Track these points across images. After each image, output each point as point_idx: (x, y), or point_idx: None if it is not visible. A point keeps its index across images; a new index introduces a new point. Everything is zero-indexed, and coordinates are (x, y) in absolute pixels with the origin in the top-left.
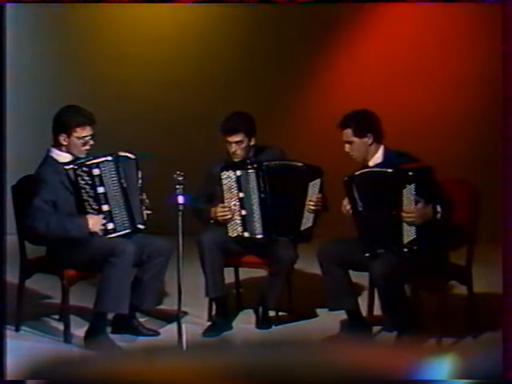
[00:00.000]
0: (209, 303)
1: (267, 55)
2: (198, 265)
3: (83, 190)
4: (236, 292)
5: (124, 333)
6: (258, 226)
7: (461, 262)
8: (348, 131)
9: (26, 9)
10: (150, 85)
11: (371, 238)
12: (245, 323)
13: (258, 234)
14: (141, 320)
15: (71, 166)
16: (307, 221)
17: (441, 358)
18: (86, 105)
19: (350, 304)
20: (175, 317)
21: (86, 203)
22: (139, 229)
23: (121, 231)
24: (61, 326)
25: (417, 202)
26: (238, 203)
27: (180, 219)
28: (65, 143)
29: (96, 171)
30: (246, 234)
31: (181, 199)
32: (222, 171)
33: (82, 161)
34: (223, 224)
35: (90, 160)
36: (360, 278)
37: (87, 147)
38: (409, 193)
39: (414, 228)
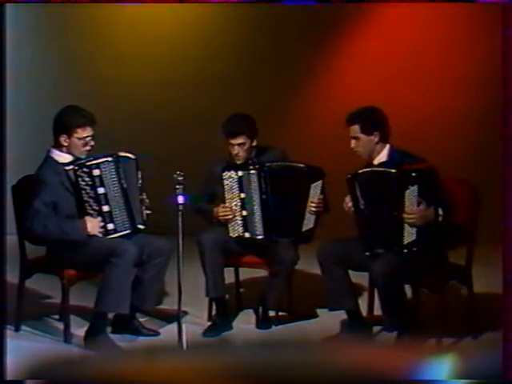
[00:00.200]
0: (209, 303)
1: (267, 55)
2: (198, 265)
3: (83, 191)
4: (236, 292)
5: (124, 333)
6: (258, 226)
7: (461, 262)
8: (355, 127)
9: (26, 9)
10: (149, 85)
11: (371, 237)
12: (245, 323)
13: (259, 235)
14: (141, 320)
15: (71, 167)
16: (308, 222)
17: (441, 357)
18: (86, 105)
19: (350, 304)
20: (175, 317)
21: (87, 204)
22: (139, 229)
23: (121, 231)
24: (61, 326)
25: (419, 204)
26: (239, 203)
27: (180, 219)
28: (65, 144)
29: (96, 172)
30: (247, 235)
31: (181, 199)
32: (224, 171)
33: (83, 161)
34: (224, 224)
35: (91, 160)
36: (360, 277)
37: (88, 148)
38: (411, 194)
39: (414, 229)
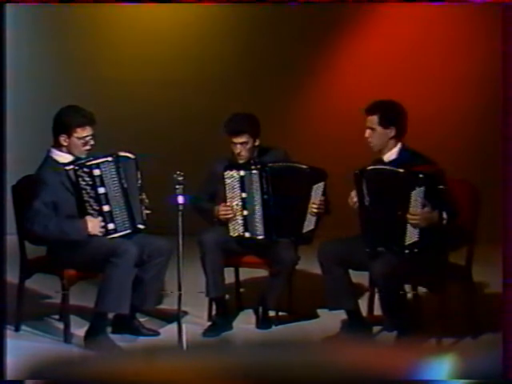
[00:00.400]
0: (209, 303)
1: (267, 55)
2: (198, 265)
3: (84, 191)
4: (236, 292)
5: (124, 333)
6: (259, 226)
7: (461, 262)
8: (374, 118)
9: (26, 9)
10: (149, 85)
11: (373, 234)
12: (245, 323)
13: (260, 235)
14: (141, 320)
15: (72, 167)
16: (309, 223)
17: (441, 357)
18: (86, 105)
19: (350, 304)
20: (175, 317)
21: (87, 204)
22: (139, 229)
23: (121, 231)
24: (61, 326)
25: (424, 206)
26: (240, 203)
27: (180, 219)
28: (65, 144)
29: (97, 172)
30: (247, 234)
31: (181, 199)
32: (226, 170)
33: (83, 161)
34: (225, 223)
35: (91, 160)
36: (360, 277)
37: (88, 147)
38: (417, 195)
39: (417, 230)
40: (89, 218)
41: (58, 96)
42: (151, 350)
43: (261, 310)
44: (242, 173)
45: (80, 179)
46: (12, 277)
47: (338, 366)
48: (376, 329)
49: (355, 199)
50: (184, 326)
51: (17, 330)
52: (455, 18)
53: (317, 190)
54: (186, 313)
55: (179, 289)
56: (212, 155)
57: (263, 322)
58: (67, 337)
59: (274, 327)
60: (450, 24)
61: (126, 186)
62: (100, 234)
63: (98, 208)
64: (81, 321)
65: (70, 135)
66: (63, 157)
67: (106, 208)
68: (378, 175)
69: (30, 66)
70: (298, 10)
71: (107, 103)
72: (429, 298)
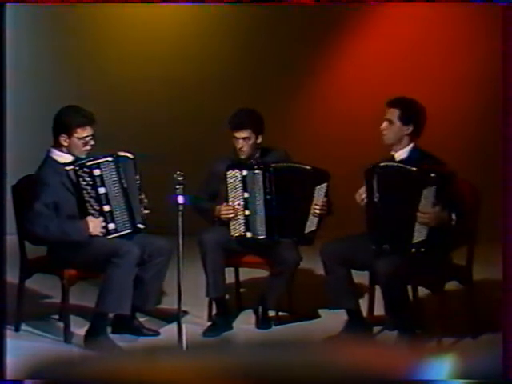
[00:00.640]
0: (209, 303)
1: (267, 55)
2: (198, 265)
3: (84, 191)
4: (236, 292)
5: (124, 333)
6: (261, 226)
7: (461, 262)
8: (395, 111)
9: (26, 9)
10: (149, 84)
11: (380, 231)
12: (245, 323)
13: (261, 235)
14: (141, 320)
15: (72, 167)
16: (311, 224)
17: (441, 357)
18: (86, 104)
19: (351, 303)
20: (175, 317)
21: (88, 204)
22: (139, 228)
23: (122, 231)
24: (61, 326)
25: (434, 205)
26: (242, 203)
27: (180, 219)
28: (65, 144)
29: (97, 172)
30: (249, 234)
31: (181, 199)
32: (228, 170)
33: (83, 161)
34: (226, 223)
35: (91, 161)
36: (360, 277)
37: (88, 147)
38: (428, 194)
39: (425, 229)
40: (90, 219)
41: (57, 96)
42: (151, 350)
43: (260, 309)
44: (244, 172)
45: (80, 179)
46: (12, 277)
47: (337, 365)
48: (376, 329)
49: (363, 195)
50: (184, 326)
51: (17, 330)
52: (455, 18)
53: (319, 191)
54: (186, 313)
55: (179, 289)
56: (212, 155)
57: (263, 322)
58: (67, 337)
59: (273, 327)
60: (450, 24)
61: (125, 185)
62: (101, 235)
63: (98, 208)
64: (81, 321)
65: (70, 135)
66: (63, 157)
67: (106, 208)
68: (390, 172)
69: (30, 66)
70: (298, 10)
71: (107, 103)
72: (429, 298)
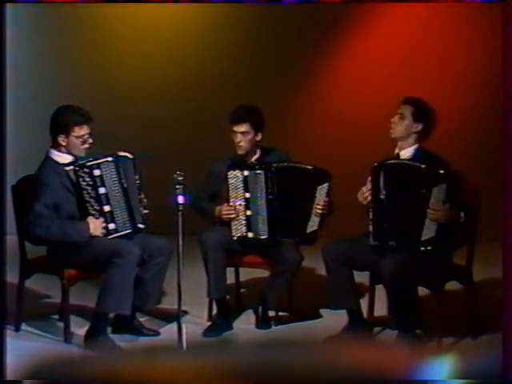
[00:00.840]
0: (209, 303)
1: (267, 55)
2: (198, 264)
3: (85, 191)
4: (236, 292)
5: (124, 333)
6: (263, 226)
7: (461, 262)
8: (409, 107)
9: (26, 9)
10: (149, 84)
11: (386, 229)
12: (245, 323)
13: (263, 235)
14: (141, 320)
15: (72, 167)
16: (313, 224)
17: (441, 357)
18: (86, 104)
19: (353, 304)
20: (175, 316)
21: (88, 204)
22: (140, 228)
23: (122, 231)
24: (61, 326)
25: (444, 203)
26: (243, 203)
27: (180, 219)
28: (64, 144)
29: (97, 172)
30: (250, 235)
31: (181, 199)
32: (229, 170)
33: (83, 162)
34: (227, 223)
35: (91, 161)
36: (360, 278)
37: (86, 146)
38: (439, 191)
39: (435, 226)
40: (90, 220)
41: (58, 96)
42: (151, 350)
43: (261, 309)
44: (245, 173)
45: (81, 179)
46: (12, 277)
47: (337, 365)
48: (376, 329)
49: (366, 194)
50: (184, 326)
51: (17, 330)
52: (455, 18)
53: (321, 191)
54: (186, 313)
55: (179, 289)
56: (212, 155)
57: (263, 322)
58: (67, 337)
59: (274, 327)
60: (450, 24)
61: (125, 185)
62: (102, 235)
63: (98, 208)
64: (81, 321)
65: (67, 135)
66: (62, 157)
67: (106, 208)
68: (399, 169)
69: (30, 66)
70: (298, 10)
71: (107, 103)
72: (429, 298)
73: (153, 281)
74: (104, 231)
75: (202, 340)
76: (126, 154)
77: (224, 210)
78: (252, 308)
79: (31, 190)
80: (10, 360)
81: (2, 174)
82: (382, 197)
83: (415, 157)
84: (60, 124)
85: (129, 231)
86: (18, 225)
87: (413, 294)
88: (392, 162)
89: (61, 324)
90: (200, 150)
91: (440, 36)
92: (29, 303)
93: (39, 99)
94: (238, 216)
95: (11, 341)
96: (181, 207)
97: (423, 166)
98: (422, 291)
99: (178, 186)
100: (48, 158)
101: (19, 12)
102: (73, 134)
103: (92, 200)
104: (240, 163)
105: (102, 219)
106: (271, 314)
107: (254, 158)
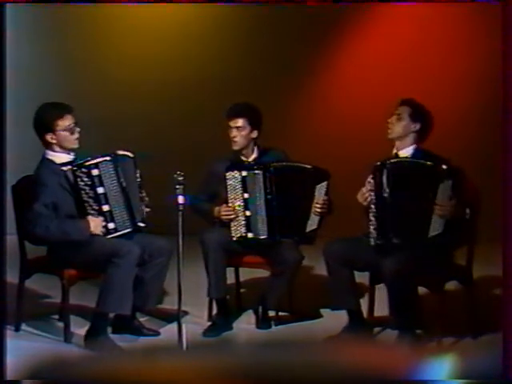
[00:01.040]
0: (209, 303)
1: (267, 55)
2: (198, 264)
3: (83, 191)
4: (236, 292)
5: (124, 333)
6: (262, 226)
7: (461, 262)
8: (406, 108)
9: (26, 9)
10: (149, 85)
11: (390, 227)
12: (245, 323)
13: (263, 235)
14: (141, 320)
15: (70, 167)
16: (312, 223)
17: (441, 357)
18: (86, 104)
19: (353, 304)
20: (175, 317)
21: (86, 204)
22: (140, 227)
23: (122, 230)
24: (61, 326)
25: (451, 199)
26: (242, 204)
27: (180, 219)
28: (54, 141)
29: (95, 172)
30: (250, 235)
31: (181, 199)
32: (228, 171)
33: (81, 162)
34: (226, 224)
35: (89, 160)
36: (360, 278)
37: (76, 135)
38: (445, 188)
39: (442, 222)
40: (90, 218)
41: (58, 96)
42: (151, 350)
43: (261, 309)
44: (244, 173)
45: (78, 179)
46: (12, 277)
47: (337, 365)
48: (376, 329)
49: (367, 194)
50: (184, 326)
51: (17, 330)
52: (455, 18)
53: (320, 190)
54: (186, 313)
55: (179, 289)
56: (212, 155)
57: (263, 322)
58: (67, 337)
59: (274, 327)
60: (450, 24)
61: (125, 185)
62: (102, 234)
63: (97, 208)
64: (81, 321)
65: (54, 131)
66: (59, 156)
67: (105, 208)
68: (403, 167)
69: (30, 66)
70: (298, 10)
71: (107, 103)
72: (429, 298)
73: (153, 281)
74: (104, 230)
75: (201, 340)
76: (126, 153)
77: (223, 211)
78: (252, 308)
79: (30, 190)
80: (10, 360)
81: (2, 173)
82: (386, 195)
83: (415, 156)
84: (43, 123)
85: (129, 230)
86: (18, 225)
87: (414, 294)
88: (395, 160)
89: (61, 324)
90: (200, 150)
91: (440, 36)
92: (29, 303)
93: (39, 99)
94: (237, 217)
95: (11, 341)
96: (181, 207)
97: (428, 163)
98: (422, 291)
99: (178, 186)
100: (44, 160)
101: (19, 12)
102: (58, 127)
103: (90, 200)
104: (238, 164)
105: (101, 218)
106: (271, 314)
107: (251, 159)
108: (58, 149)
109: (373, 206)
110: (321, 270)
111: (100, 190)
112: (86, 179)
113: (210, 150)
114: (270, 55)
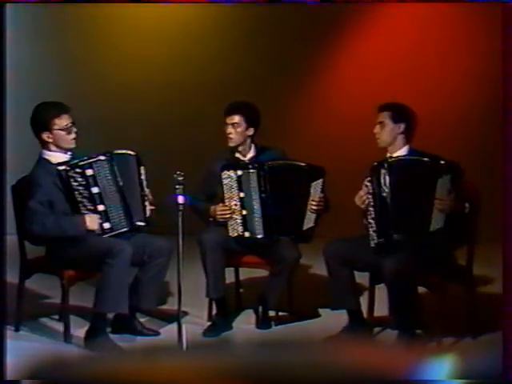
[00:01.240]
0: (209, 303)
1: (267, 55)
2: (198, 265)
3: (76, 191)
4: (236, 292)
5: (124, 333)
6: (258, 225)
7: (461, 262)
8: (385, 113)
9: (26, 9)
10: (149, 85)
11: (390, 224)
12: (245, 323)
13: (259, 234)
14: (141, 320)
15: (63, 167)
16: (309, 221)
17: (441, 357)
18: (86, 104)
19: (353, 304)
20: (175, 317)
21: (81, 204)
22: (138, 226)
23: (118, 230)
24: (61, 326)
25: (450, 193)
26: (238, 203)
27: (180, 219)
28: (50, 140)
29: (89, 171)
30: (247, 234)
31: (181, 199)
32: (223, 170)
33: (75, 161)
34: (222, 223)
35: (83, 160)
36: (360, 278)
37: (72, 135)
38: (444, 182)
39: (443, 217)
40: (86, 214)
41: (58, 96)
42: (151, 350)
43: (261, 309)
44: (239, 172)
45: (71, 180)
46: (12, 277)
47: (337, 365)
48: (376, 329)
49: (364, 197)
50: (184, 326)
51: (17, 330)
52: (455, 18)
53: (316, 187)
54: (186, 313)
55: (179, 289)
56: (212, 155)
57: (263, 322)
58: (67, 337)
59: (273, 327)
60: (450, 24)
61: (121, 183)
62: (98, 230)
63: (92, 208)
64: (81, 321)
65: (50, 130)
66: (54, 156)
67: (100, 207)
68: (401, 165)
69: (30, 66)
70: (298, 10)
71: (107, 103)
72: (429, 298)
73: (153, 281)
74: (99, 229)
75: (201, 340)
76: (124, 151)
77: (218, 210)
78: (252, 308)
79: (26, 189)
80: (10, 360)
81: (2, 173)
82: (385, 194)
83: (409, 155)
84: (40, 122)
85: (125, 230)
86: (18, 225)
87: (414, 294)
88: (393, 159)
89: (61, 324)
90: (200, 150)
91: (440, 36)
92: (29, 303)
93: (39, 99)
94: (232, 216)
95: (11, 341)
96: (181, 207)
97: (427, 160)
98: (422, 291)
99: (177, 186)
100: (41, 159)
101: (19, 12)
102: (54, 127)
103: (85, 200)
104: (233, 163)
105: (97, 215)
106: (271, 313)
107: (248, 157)
108: (54, 148)
109: (371, 209)
110: (320, 269)
111: (95, 189)
112: (80, 179)
113: (209, 150)
114: (269, 55)
